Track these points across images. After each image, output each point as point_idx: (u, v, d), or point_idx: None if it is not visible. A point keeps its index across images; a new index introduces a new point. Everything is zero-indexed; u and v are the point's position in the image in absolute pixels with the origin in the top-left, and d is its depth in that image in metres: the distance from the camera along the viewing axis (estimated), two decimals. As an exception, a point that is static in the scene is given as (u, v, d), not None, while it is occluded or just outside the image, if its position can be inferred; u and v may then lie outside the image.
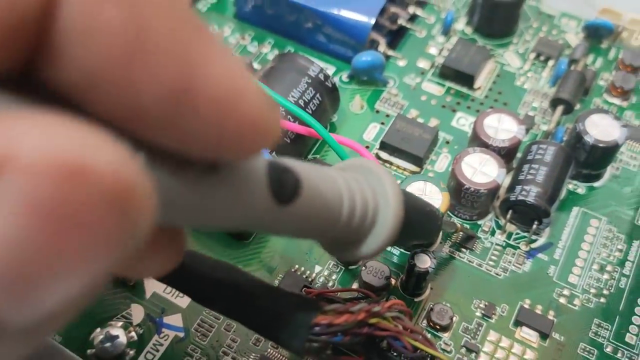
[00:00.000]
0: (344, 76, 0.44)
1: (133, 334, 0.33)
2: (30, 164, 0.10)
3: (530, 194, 0.35)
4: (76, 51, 0.12)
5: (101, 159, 0.11)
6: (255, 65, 0.44)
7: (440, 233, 0.36)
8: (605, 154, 0.37)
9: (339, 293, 0.33)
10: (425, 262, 0.33)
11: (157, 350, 0.33)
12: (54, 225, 0.10)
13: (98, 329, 0.33)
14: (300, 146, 0.38)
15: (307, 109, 0.37)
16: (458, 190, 0.36)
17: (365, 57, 0.42)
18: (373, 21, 0.42)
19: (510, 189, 0.36)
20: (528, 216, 0.36)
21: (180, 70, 0.13)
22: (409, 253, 0.34)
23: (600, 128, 0.37)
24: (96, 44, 0.12)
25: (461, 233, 0.36)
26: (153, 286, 0.35)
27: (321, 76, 0.38)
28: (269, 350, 0.33)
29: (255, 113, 0.15)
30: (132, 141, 0.13)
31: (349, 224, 0.22)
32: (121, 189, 0.11)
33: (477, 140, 0.37)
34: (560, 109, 0.40)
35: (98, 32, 0.12)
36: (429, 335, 0.33)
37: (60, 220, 0.10)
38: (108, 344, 0.32)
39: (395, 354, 0.29)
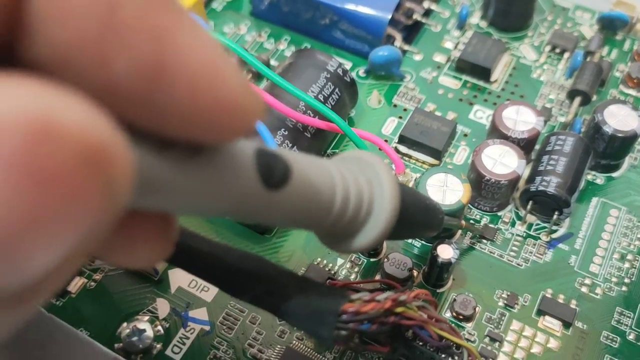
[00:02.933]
0: (361, 71, 0.44)
1: (159, 327, 0.34)
2: None
3: (551, 184, 0.35)
4: (48, 29, 0.12)
5: (70, 116, 0.11)
6: (273, 62, 0.45)
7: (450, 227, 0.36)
8: (624, 144, 0.37)
9: (363, 284, 0.34)
10: (448, 253, 0.33)
11: (184, 344, 0.33)
12: (26, 180, 0.10)
13: (125, 324, 0.33)
14: (321, 141, 0.38)
15: (326, 104, 0.37)
16: (478, 181, 0.36)
17: (382, 52, 0.42)
18: (389, 16, 0.42)
19: (530, 179, 0.36)
20: (548, 207, 0.36)
21: (151, 45, 0.13)
22: (430, 245, 0.35)
23: (619, 118, 0.37)
24: (67, 22, 0.12)
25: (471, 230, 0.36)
26: (178, 280, 0.35)
27: (340, 71, 0.38)
28: (294, 342, 0.33)
29: (233, 92, 0.15)
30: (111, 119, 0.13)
31: (342, 214, 0.22)
32: (93, 146, 0.11)
33: (496, 132, 0.38)
34: (577, 100, 0.40)
35: (69, 10, 0.12)
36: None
37: (33, 174, 0.10)
38: (135, 338, 0.33)
39: (420, 343, 0.29)
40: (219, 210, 0.18)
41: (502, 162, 0.36)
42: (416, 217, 0.28)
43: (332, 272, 0.35)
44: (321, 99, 0.37)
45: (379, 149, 0.37)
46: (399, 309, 0.27)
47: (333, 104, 0.38)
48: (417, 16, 0.46)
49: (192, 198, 0.17)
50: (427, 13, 0.47)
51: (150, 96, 0.13)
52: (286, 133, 0.35)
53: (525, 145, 0.37)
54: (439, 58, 0.45)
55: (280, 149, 0.20)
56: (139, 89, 0.13)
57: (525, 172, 0.37)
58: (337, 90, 0.38)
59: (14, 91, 0.10)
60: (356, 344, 0.27)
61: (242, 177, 0.18)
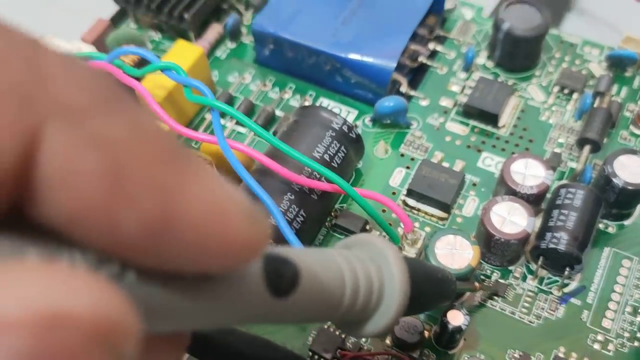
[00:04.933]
0: (367, 120, 0.44)
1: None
2: (6, 322, 0.10)
3: (561, 241, 0.35)
4: (56, 195, 0.12)
5: (79, 301, 0.11)
6: (278, 112, 0.45)
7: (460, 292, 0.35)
8: (635, 195, 0.37)
9: (375, 357, 0.34)
10: (458, 319, 0.33)
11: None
12: None
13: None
14: (328, 201, 0.38)
15: (332, 163, 0.37)
16: (488, 240, 0.35)
17: (388, 103, 0.42)
18: (394, 64, 0.42)
19: (540, 236, 0.36)
20: (559, 263, 0.36)
21: (158, 200, 0.13)
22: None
23: (630, 169, 0.37)
24: (75, 190, 0.12)
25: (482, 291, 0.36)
26: None
27: (345, 128, 0.38)
28: (307, 411, 0.33)
29: (240, 232, 0.15)
30: (120, 262, 0.14)
31: (352, 305, 0.22)
32: (104, 327, 0.11)
33: (505, 187, 0.37)
34: (587, 148, 0.40)
35: (77, 178, 0.12)
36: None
37: None
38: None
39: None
40: (227, 323, 0.19)
41: (511, 220, 0.35)
42: (429, 292, 0.28)
43: (343, 336, 0.35)
44: (327, 158, 0.37)
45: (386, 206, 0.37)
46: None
47: (339, 162, 0.38)
48: (422, 59, 0.46)
49: (202, 319, 0.17)
50: (433, 54, 0.47)
51: (158, 246, 0.14)
52: (292, 197, 0.35)
53: (535, 200, 0.37)
54: (446, 102, 0.45)
55: (287, 250, 0.20)
56: (148, 241, 0.13)
57: (536, 225, 0.37)
58: (342, 148, 0.38)
59: (21, 281, 0.11)
60: None
61: (251, 291, 0.18)
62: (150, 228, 0.13)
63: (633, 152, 0.37)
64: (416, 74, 0.46)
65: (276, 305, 0.19)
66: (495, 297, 0.36)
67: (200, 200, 0.14)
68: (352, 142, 0.39)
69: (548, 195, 0.38)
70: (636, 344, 0.35)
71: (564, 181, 0.41)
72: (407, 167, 0.42)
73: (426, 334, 0.35)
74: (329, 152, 0.37)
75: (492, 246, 0.36)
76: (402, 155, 0.43)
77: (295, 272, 0.19)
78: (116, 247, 0.13)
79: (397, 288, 0.23)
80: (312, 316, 0.22)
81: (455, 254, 0.34)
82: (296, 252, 0.20)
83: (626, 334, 0.35)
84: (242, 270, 0.18)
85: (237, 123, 0.44)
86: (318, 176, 0.36)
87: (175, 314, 0.16)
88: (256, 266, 0.18)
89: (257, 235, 0.16)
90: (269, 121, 0.44)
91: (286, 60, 0.46)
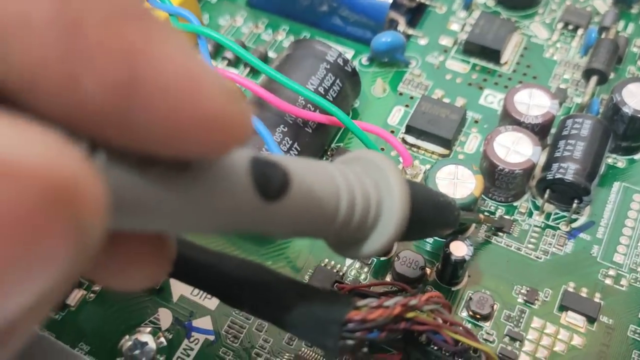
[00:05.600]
0: (364, 59, 0.42)
1: (162, 339, 0.32)
2: None
3: (569, 171, 0.33)
4: (10, 51, 0.11)
5: (29, 152, 0.10)
6: (271, 54, 0.43)
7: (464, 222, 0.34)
8: (646, 124, 0.35)
9: (372, 287, 0.32)
10: (461, 250, 0.31)
11: (188, 355, 0.32)
12: None
13: (126, 336, 0.32)
14: (323, 135, 0.36)
15: (327, 96, 0.35)
16: (491, 171, 0.34)
17: (384, 38, 0.40)
18: (390, 0, 0.40)
19: (547, 167, 0.34)
20: (567, 195, 0.34)
21: (121, 60, 0.12)
22: (443, 240, 0.33)
23: (639, 97, 0.35)
24: (28, 43, 0.11)
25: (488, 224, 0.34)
26: (180, 289, 0.34)
27: (340, 61, 0.36)
28: (303, 349, 0.32)
29: (215, 104, 0.14)
30: (89, 141, 0.13)
31: (348, 220, 0.21)
32: (56, 183, 0.10)
33: (508, 118, 0.35)
34: (594, 79, 0.38)
35: (29, 30, 0.11)
36: (469, 326, 0.32)
37: None
38: (137, 352, 0.31)
39: (435, 348, 0.27)
40: (215, 227, 0.17)
41: (516, 150, 0.34)
42: (429, 216, 0.26)
43: (341, 273, 0.34)
44: (321, 91, 0.35)
45: (385, 141, 0.35)
46: (410, 314, 0.25)
47: (334, 95, 0.36)
48: (420, -2, 0.44)
49: (182, 216, 0.16)
50: (431, -6, 0.45)
51: (126, 114, 0.12)
52: (285, 129, 0.34)
53: (540, 131, 0.35)
54: (446, 41, 0.43)
55: (278, 155, 0.19)
56: (113, 108, 0.12)
57: (542, 159, 0.35)
58: (338, 81, 0.36)
59: None
60: (365, 354, 0.25)
61: (237, 190, 0.17)
62: (113, 92, 0.12)
63: (643, 79, 0.35)
64: (415, 14, 0.44)
65: (265, 209, 0.18)
66: (500, 233, 0.35)
67: (170, 64, 0.13)
68: (347, 76, 0.37)
69: (553, 131, 0.36)
70: (650, 278, 0.33)
71: (570, 117, 0.39)
72: (406, 106, 0.40)
73: (428, 271, 0.33)
74: (323, 84, 0.36)
75: (496, 178, 0.34)
76: (401, 94, 0.41)
77: (285, 177, 0.18)
78: (80, 117, 0.12)
79: (395, 205, 0.21)
80: (305, 227, 0.20)
81: (457, 183, 0.32)
82: (287, 158, 0.19)
83: None
84: (225, 166, 0.16)
85: (229, 64, 0.42)
86: (313, 109, 0.35)
87: (149, 206, 0.15)
88: (242, 165, 0.17)
89: (235, 114, 0.14)
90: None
91: (280, 2, 0.44)
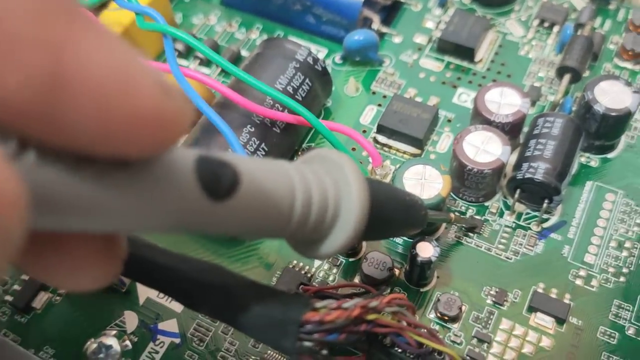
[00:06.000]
0: (337, 58, 0.42)
1: (127, 342, 0.32)
2: None
3: (539, 170, 0.33)
4: None
5: None
6: (244, 53, 0.42)
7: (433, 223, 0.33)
8: (618, 123, 0.35)
9: (339, 290, 0.31)
10: (427, 251, 0.31)
11: (153, 358, 0.31)
12: None
13: (91, 340, 0.32)
14: (292, 136, 0.36)
15: (296, 96, 0.35)
16: (461, 171, 0.33)
17: (357, 37, 0.39)
18: (363, -3, 0.40)
19: (517, 166, 0.34)
20: (537, 195, 0.34)
21: (44, 53, 0.12)
22: (411, 241, 0.33)
23: (611, 95, 0.34)
24: None
25: (462, 224, 0.34)
26: (146, 291, 0.33)
27: (310, 60, 0.36)
28: (269, 352, 0.31)
29: (148, 100, 0.13)
30: (17, 140, 0.12)
31: (304, 220, 0.20)
32: None
33: (479, 117, 0.35)
34: (567, 77, 0.38)
35: None
36: (437, 328, 0.31)
37: None
38: (102, 355, 0.31)
39: (399, 350, 0.27)
40: (160, 227, 0.17)
41: (485, 149, 0.33)
42: (394, 215, 0.26)
43: (309, 275, 0.33)
44: (290, 90, 0.35)
45: (355, 141, 0.35)
46: (372, 316, 0.25)
47: (304, 95, 0.36)
48: (395, -5, 0.44)
49: (123, 216, 0.15)
50: (407, -9, 0.45)
51: (52, 112, 0.12)
52: (253, 130, 0.33)
53: (511, 130, 0.35)
54: (420, 39, 0.43)
55: (228, 154, 0.19)
56: (38, 105, 0.12)
57: (512, 159, 0.35)
58: (307, 80, 0.36)
59: None
60: (325, 356, 0.25)
61: (181, 189, 0.16)
62: (37, 87, 0.12)
63: (615, 77, 0.35)
64: (390, 12, 0.44)
65: (214, 209, 0.17)
66: (471, 234, 0.34)
67: (97, 59, 0.12)
68: (317, 75, 0.36)
69: (525, 130, 0.36)
70: (622, 279, 0.32)
71: (544, 115, 0.38)
72: (379, 105, 0.40)
73: (397, 272, 0.33)
74: (292, 84, 0.35)
75: (465, 178, 0.34)
76: (374, 93, 0.40)
77: (234, 175, 0.18)
78: (4, 114, 0.12)
79: (354, 203, 0.21)
80: (258, 227, 0.20)
81: (424, 183, 0.32)
82: (238, 157, 0.19)
83: (611, 269, 0.33)
84: (168, 165, 0.16)
85: (201, 63, 0.42)
86: (281, 109, 0.34)
87: (86, 204, 0.14)
88: (187, 163, 0.17)
89: (170, 110, 0.14)
90: (234, 61, 0.41)
91: (253, 0, 0.44)
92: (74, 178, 0.14)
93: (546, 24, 0.42)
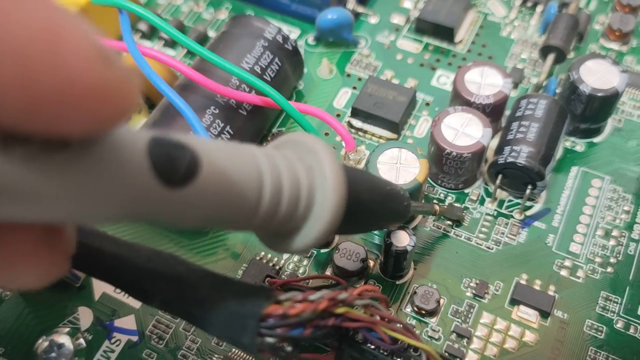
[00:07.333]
0: (310, 39, 0.40)
1: (81, 340, 0.30)
2: None
3: (521, 154, 0.31)
4: None
5: None
6: (211, 33, 0.40)
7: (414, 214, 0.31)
8: (604, 104, 0.33)
9: (309, 282, 0.29)
10: (402, 240, 0.29)
11: (109, 358, 0.29)
12: None
13: (42, 337, 0.29)
14: (260, 119, 0.33)
15: (264, 76, 0.33)
16: (439, 156, 0.31)
17: (330, 15, 0.37)
18: (337, -26, 0.38)
19: (499, 150, 0.32)
20: (520, 180, 0.32)
21: None
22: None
23: (597, 75, 0.33)
24: None
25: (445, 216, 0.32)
26: (103, 286, 0.31)
27: (279, 38, 0.34)
28: (234, 349, 0.29)
29: (84, 69, 0.11)
30: None
31: (274, 210, 0.19)
32: None
33: (459, 99, 0.33)
34: (551, 57, 0.36)
35: None
36: (413, 322, 0.29)
37: None
38: (53, 354, 0.29)
39: (372, 347, 0.25)
40: (107, 216, 0.15)
41: (465, 132, 0.31)
42: (374, 206, 0.24)
43: (277, 267, 0.31)
44: (257, 70, 0.33)
45: (327, 124, 0.33)
46: (341, 310, 0.22)
47: (272, 75, 0.33)
48: (372, -26, 0.41)
49: (60, 204, 0.13)
50: (384, -30, 0.43)
51: None
52: (217, 111, 0.31)
53: (492, 112, 0.33)
54: (398, 19, 0.41)
55: (186, 136, 0.16)
56: None
57: (494, 143, 0.33)
58: (276, 60, 0.34)
59: None
60: (290, 353, 0.23)
61: (130, 174, 0.14)
62: None
63: (601, 56, 0.33)
64: (366, -9, 0.42)
65: (170, 196, 0.15)
66: (449, 222, 0.32)
67: (17, 17, 0.10)
68: (288, 55, 0.34)
69: (508, 113, 0.34)
70: (609, 269, 0.31)
71: (528, 98, 0.36)
72: (354, 88, 0.38)
73: (371, 263, 0.31)
74: (259, 63, 0.33)
75: (444, 163, 0.32)
76: (349, 75, 0.38)
77: (193, 160, 0.16)
78: None
79: (329, 193, 0.19)
80: (221, 217, 0.18)
81: (400, 168, 0.30)
82: (198, 139, 0.17)
83: (597, 259, 0.31)
84: (114, 147, 0.14)
85: (165, 44, 0.39)
86: (248, 90, 0.32)
87: (16, 190, 0.12)
88: (138, 146, 0.15)
89: (112, 80, 0.12)
90: (201, 43, 0.39)
91: (222, -21, 0.41)
92: (3, 160, 0.12)
93: (529, 4, 0.40)
